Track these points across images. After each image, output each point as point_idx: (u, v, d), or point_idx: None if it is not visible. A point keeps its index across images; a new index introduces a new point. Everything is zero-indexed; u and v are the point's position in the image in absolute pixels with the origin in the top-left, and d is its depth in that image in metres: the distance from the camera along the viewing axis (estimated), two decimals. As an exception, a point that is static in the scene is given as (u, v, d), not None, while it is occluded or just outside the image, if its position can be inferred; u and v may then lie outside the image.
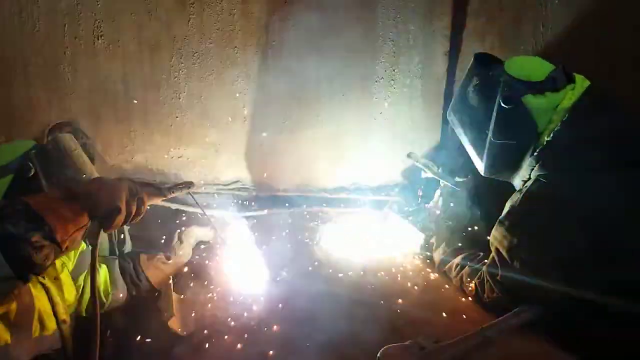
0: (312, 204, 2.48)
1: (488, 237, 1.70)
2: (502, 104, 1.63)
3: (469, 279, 1.77)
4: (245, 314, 1.67)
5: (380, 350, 1.29)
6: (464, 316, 1.64)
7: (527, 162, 1.68)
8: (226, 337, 1.56)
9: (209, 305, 1.73)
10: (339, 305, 1.67)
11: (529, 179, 1.65)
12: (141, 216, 1.26)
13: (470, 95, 1.77)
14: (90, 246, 1.21)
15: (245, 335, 1.56)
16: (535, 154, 1.65)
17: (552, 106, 1.61)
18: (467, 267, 1.80)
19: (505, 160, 1.74)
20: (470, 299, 1.75)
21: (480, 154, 1.80)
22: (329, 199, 2.51)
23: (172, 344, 1.59)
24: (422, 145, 2.57)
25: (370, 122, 2.49)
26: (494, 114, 1.67)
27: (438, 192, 2.24)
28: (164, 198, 1.55)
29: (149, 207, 1.37)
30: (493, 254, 1.65)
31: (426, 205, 2.28)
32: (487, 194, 2.06)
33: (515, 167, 1.73)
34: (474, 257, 1.84)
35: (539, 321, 1.46)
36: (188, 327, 1.68)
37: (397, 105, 2.50)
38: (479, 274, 1.72)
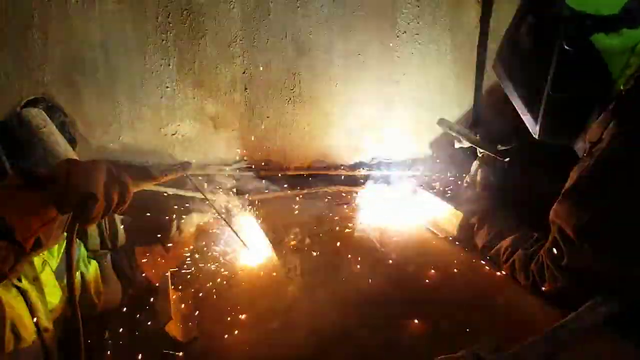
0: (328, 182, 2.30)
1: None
2: (565, 46, 1.37)
3: (523, 266, 1.52)
4: (257, 316, 1.47)
5: (428, 364, 1.04)
6: (524, 314, 1.38)
7: (598, 119, 1.41)
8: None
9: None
10: (366, 305, 1.43)
11: (601, 140, 1.39)
12: (126, 204, 1.13)
13: (523, 38, 1.50)
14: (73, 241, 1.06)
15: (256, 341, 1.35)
16: (609, 108, 1.38)
17: (629, 46, 1.36)
18: (519, 251, 1.57)
19: (569, 118, 1.49)
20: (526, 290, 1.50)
21: (534, 113, 1.54)
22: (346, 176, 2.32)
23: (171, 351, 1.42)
24: (452, 110, 2.31)
25: (391, 86, 2.25)
26: (554, 60, 1.41)
27: (475, 163, 2.01)
28: (156, 182, 1.37)
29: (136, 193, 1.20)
30: (555, 234, 1.41)
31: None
32: (540, 162, 1.82)
33: (582, 126, 1.47)
34: (528, 238, 1.60)
35: (619, 317, 1.24)
36: (189, 332, 1.51)
37: (422, 64, 2.24)
38: (536, 259, 1.48)
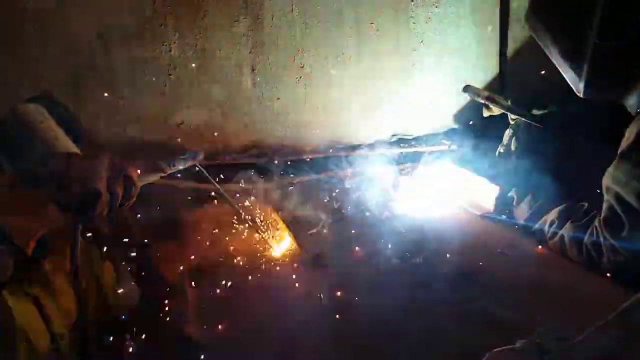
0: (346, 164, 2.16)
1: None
2: (614, -15, 1.20)
3: (575, 241, 1.37)
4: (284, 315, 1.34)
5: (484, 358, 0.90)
6: (584, 296, 1.22)
7: (656, 68, 1.25)
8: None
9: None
10: (405, 293, 1.29)
11: (661, 89, 1.23)
12: (133, 199, 1.06)
13: (563, -19, 1.33)
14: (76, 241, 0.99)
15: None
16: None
17: (690, -22, 1.19)
18: (568, 224, 1.41)
19: (620, 69, 1.31)
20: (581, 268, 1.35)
21: (578, 68, 1.36)
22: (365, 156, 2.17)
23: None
24: (476, 78, 2.15)
25: (409, 55, 2.10)
26: (601, 1, 1.23)
27: (508, 131, 1.84)
28: (164, 174, 1.32)
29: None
30: (611, 202, 1.27)
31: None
32: (582, 124, 1.64)
33: (636, 76, 1.30)
34: (577, 209, 1.44)
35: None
36: (209, 333, 1.41)
37: (441, 30, 2.07)
38: (589, 231, 1.33)
